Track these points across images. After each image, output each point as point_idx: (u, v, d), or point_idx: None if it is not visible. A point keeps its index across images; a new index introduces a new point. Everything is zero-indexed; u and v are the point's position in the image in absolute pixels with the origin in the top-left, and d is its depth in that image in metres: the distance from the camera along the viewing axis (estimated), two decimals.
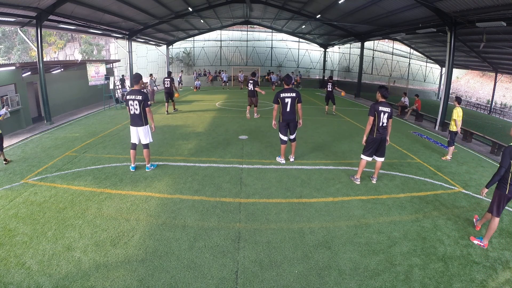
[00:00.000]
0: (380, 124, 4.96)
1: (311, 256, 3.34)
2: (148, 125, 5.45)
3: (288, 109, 5.68)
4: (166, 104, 11.75)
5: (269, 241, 3.58)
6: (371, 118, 4.98)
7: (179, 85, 22.28)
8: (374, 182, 5.36)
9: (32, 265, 3.05)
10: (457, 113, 6.82)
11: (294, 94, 5.67)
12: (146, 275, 2.97)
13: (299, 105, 5.73)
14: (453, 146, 7.04)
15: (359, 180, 5.30)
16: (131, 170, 5.58)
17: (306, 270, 3.11)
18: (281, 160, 6.20)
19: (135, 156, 5.60)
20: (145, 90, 10.03)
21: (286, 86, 5.79)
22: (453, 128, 6.92)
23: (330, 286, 2.91)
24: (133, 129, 5.39)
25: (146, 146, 5.53)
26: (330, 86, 11.90)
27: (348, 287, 2.90)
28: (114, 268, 3.05)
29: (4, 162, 5.98)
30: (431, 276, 3.07)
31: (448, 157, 6.99)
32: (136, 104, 5.20)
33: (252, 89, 10.42)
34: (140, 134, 5.40)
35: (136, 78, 5.33)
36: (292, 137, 6.01)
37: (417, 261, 3.30)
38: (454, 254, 3.46)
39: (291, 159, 6.26)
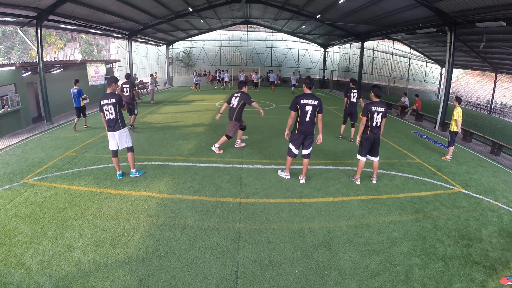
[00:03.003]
0: (374, 124, 4.98)
1: (311, 256, 3.34)
2: (125, 128, 5.16)
3: (307, 119, 4.82)
4: (130, 117, 8.88)
5: (269, 241, 3.58)
6: (364, 119, 5.01)
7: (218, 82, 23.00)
8: (374, 182, 5.36)
9: (32, 265, 3.05)
10: (458, 113, 6.83)
11: (316, 102, 4.76)
12: (146, 275, 2.97)
13: (319, 115, 4.87)
14: (453, 146, 7.04)
15: (359, 180, 5.30)
16: (118, 178, 5.27)
17: (306, 270, 3.11)
18: (285, 175, 5.32)
19: (118, 163, 5.31)
20: (142, 90, 9.89)
21: (307, 91, 4.88)
22: (453, 128, 6.92)
23: (330, 286, 2.91)
24: (110, 135, 5.11)
25: (130, 149, 5.24)
26: (356, 95, 7.76)
27: (348, 287, 2.90)
28: (114, 268, 3.04)
29: (84, 126, 9.09)
30: (431, 276, 3.07)
31: (448, 157, 6.99)
32: (111, 108, 4.95)
33: (237, 106, 6.47)
34: (117, 138, 5.09)
35: (109, 81, 5.10)
36: (306, 152, 5.05)
37: (417, 261, 3.30)
38: (454, 254, 3.46)
39: (302, 181, 5.22)
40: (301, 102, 4.80)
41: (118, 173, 5.33)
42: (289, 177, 5.32)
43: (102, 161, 6.16)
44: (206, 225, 3.89)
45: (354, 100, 7.75)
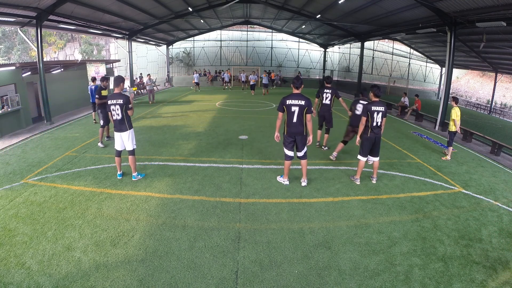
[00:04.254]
0: (374, 123, 4.99)
1: (311, 256, 3.34)
2: (131, 130, 5.10)
3: (294, 119, 4.71)
4: (106, 128, 7.62)
5: (269, 241, 3.58)
6: (364, 119, 5.02)
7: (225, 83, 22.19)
8: (374, 182, 5.36)
9: (32, 265, 3.05)
10: (456, 113, 6.84)
11: (303, 102, 4.65)
12: (146, 275, 2.97)
13: (308, 116, 4.72)
14: (451, 147, 7.04)
15: (359, 180, 5.30)
16: (118, 178, 5.28)
17: (306, 270, 3.11)
18: (284, 180, 5.18)
19: (120, 163, 5.29)
20: (142, 90, 10.08)
21: (294, 91, 4.77)
22: (452, 128, 6.93)
23: (330, 286, 2.91)
24: (117, 135, 5.06)
25: (132, 152, 5.14)
26: (329, 96, 6.69)
27: (348, 287, 2.90)
28: (114, 268, 3.05)
29: (94, 121, 9.91)
30: (431, 276, 3.07)
31: (448, 157, 7.00)
32: (118, 109, 4.90)
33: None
34: (124, 140, 5.07)
35: (117, 81, 4.98)
36: (300, 154, 4.94)
37: (417, 261, 3.30)
38: (454, 254, 3.46)
39: (303, 183, 5.13)
40: (287, 103, 4.70)
41: (119, 173, 5.33)
42: (287, 183, 5.17)
43: (102, 161, 6.16)
44: (206, 225, 3.89)
45: (328, 102, 6.69)
